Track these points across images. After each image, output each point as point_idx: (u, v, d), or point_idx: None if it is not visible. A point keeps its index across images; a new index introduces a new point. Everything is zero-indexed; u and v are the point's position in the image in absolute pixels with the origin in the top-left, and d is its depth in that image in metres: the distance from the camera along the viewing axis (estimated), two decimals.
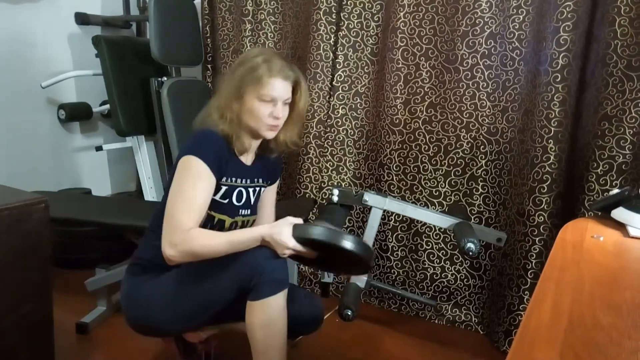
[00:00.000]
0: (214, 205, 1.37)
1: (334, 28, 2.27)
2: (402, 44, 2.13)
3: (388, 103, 2.20)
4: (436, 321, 2.25)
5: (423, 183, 2.21)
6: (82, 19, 2.75)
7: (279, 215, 1.87)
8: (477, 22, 2.01)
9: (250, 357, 1.33)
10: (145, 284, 1.41)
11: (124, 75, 2.48)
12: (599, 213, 1.34)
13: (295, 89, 1.40)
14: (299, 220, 1.29)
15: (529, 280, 1.90)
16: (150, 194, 2.70)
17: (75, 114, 2.76)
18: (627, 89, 1.70)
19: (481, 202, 2.15)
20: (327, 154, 2.36)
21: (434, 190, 2.20)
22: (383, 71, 2.21)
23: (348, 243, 1.26)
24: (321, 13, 2.25)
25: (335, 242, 1.26)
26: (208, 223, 1.39)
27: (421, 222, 2.21)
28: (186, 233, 1.24)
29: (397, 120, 2.19)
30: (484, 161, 2.11)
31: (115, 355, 1.87)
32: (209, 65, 2.69)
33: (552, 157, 1.83)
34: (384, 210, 1.95)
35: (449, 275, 2.22)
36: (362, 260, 1.33)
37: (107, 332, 2.01)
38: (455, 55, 2.07)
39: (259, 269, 1.26)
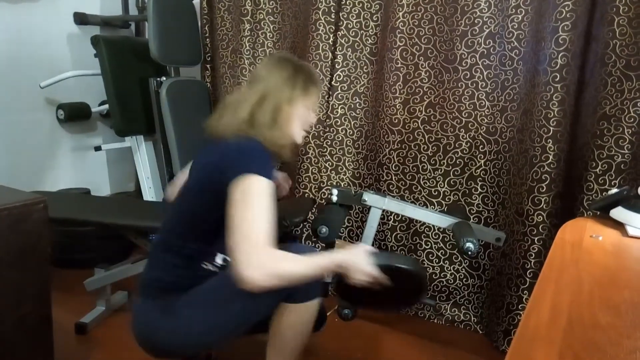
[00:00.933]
0: None
1: (333, 28, 2.27)
2: (401, 44, 2.13)
3: (387, 103, 2.20)
4: (435, 321, 2.25)
5: (422, 183, 2.21)
6: (81, 19, 2.75)
7: (276, 214, 1.88)
8: (476, 21, 2.01)
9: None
10: (175, 306, 1.25)
11: (123, 75, 2.48)
12: (598, 212, 1.34)
13: None
14: (373, 249, 1.29)
15: (527, 279, 1.90)
16: (149, 194, 2.70)
17: (74, 114, 2.76)
18: (626, 89, 1.70)
19: (480, 201, 2.15)
20: (326, 153, 2.36)
21: (433, 190, 2.20)
22: (382, 71, 2.21)
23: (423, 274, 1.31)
24: (320, 13, 2.25)
25: (417, 270, 1.33)
26: None
27: (420, 221, 2.21)
28: (269, 254, 1.11)
29: (396, 120, 2.19)
30: (483, 161, 2.11)
31: (115, 355, 1.86)
32: (208, 65, 2.69)
33: (551, 157, 1.83)
34: (383, 210, 1.95)
35: (448, 275, 2.23)
36: (420, 294, 1.41)
37: (106, 332, 2.01)
38: (454, 55, 2.07)
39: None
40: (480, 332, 2.18)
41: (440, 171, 2.18)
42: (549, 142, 1.82)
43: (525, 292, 1.91)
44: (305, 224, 2.41)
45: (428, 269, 2.25)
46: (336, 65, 2.28)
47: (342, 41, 2.26)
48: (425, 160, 2.19)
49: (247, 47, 2.49)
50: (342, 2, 2.23)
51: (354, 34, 2.26)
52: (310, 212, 2.30)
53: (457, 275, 2.22)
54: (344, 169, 2.37)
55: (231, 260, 1.11)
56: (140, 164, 2.71)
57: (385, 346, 2.02)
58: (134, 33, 3.03)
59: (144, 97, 2.49)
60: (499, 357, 1.97)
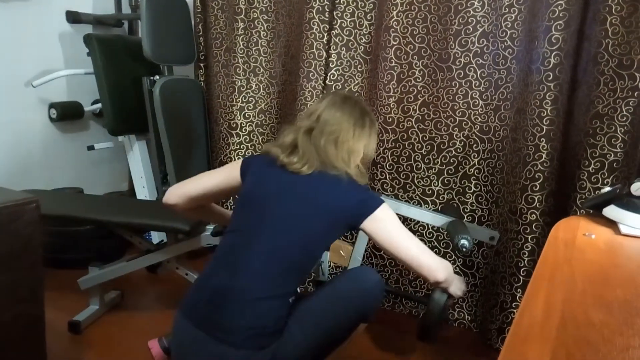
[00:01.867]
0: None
1: (327, 27, 2.27)
2: (395, 43, 2.13)
3: (381, 102, 2.20)
4: None
5: (416, 182, 2.21)
6: (74, 18, 2.73)
7: None
8: (469, 21, 2.01)
9: None
10: (285, 351, 1.29)
11: (115, 74, 2.47)
12: (591, 211, 1.34)
13: None
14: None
15: (521, 278, 1.91)
16: (143, 193, 2.69)
17: (67, 113, 2.75)
18: (618, 88, 1.71)
19: (474, 200, 2.15)
20: None
21: (427, 188, 2.21)
22: (376, 70, 2.21)
23: None
24: (314, 12, 2.24)
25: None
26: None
27: (414, 220, 2.21)
28: (439, 260, 1.43)
29: (390, 119, 2.20)
30: (476, 160, 2.12)
31: (108, 354, 1.86)
32: (201, 64, 2.68)
33: (544, 156, 1.84)
34: None
35: None
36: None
37: (100, 330, 2.00)
38: (447, 54, 2.07)
39: (379, 298, 1.41)
40: (474, 330, 2.18)
41: (434, 170, 2.18)
42: (542, 140, 1.83)
43: (518, 290, 1.92)
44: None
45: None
46: (330, 64, 2.28)
47: (336, 40, 2.26)
48: (419, 159, 2.19)
49: (241, 46, 2.49)
50: (336, 1, 2.22)
51: (348, 33, 2.25)
52: None
53: None
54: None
55: (422, 272, 1.39)
56: (133, 163, 2.70)
57: (379, 344, 2.02)
58: (127, 32, 3.02)
59: (137, 96, 2.47)
60: (493, 355, 1.98)
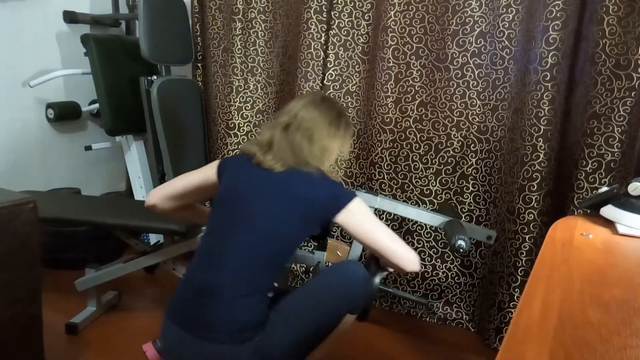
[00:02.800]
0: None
1: (325, 27, 2.27)
2: (392, 43, 2.14)
3: (379, 102, 2.20)
4: (427, 319, 2.26)
5: (414, 182, 2.22)
6: (71, 18, 2.73)
7: None
8: (467, 21, 2.01)
9: None
10: (269, 344, 1.31)
11: (113, 74, 2.47)
12: (588, 211, 1.35)
13: None
14: None
15: (519, 277, 1.91)
16: (140, 193, 2.69)
17: (64, 113, 2.74)
18: (616, 88, 1.72)
19: (471, 200, 2.16)
20: None
21: (424, 188, 2.21)
22: (374, 70, 2.21)
23: None
24: (312, 12, 2.24)
25: None
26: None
27: (412, 220, 2.21)
28: (410, 249, 1.44)
29: (388, 119, 2.20)
30: (474, 160, 2.12)
31: (105, 356, 1.85)
32: (199, 64, 2.67)
33: (541, 156, 1.84)
34: (376, 209, 1.95)
35: (440, 273, 2.23)
36: None
37: (97, 332, 2.00)
38: (445, 54, 2.07)
39: (366, 292, 1.41)
40: (472, 330, 2.19)
41: (432, 170, 2.19)
42: (540, 140, 1.83)
43: (516, 290, 1.92)
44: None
45: (420, 267, 2.25)
46: (328, 64, 2.28)
47: (334, 40, 2.26)
48: (417, 159, 2.20)
49: (239, 46, 2.48)
50: (334, 1, 2.22)
51: (345, 33, 2.25)
52: None
53: (449, 274, 2.22)
54: (336, 168, 2.36)
55: (398, 262, 1.40)
56: (131, 164, 2.70)
57: (377, 345, 2.02)
58: (124, 32, 3.01)
59: (134, 96, 2.47)
60: (491, 354, 1.98)
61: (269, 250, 1.35)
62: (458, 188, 2.17)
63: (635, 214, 1.18)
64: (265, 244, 1.34)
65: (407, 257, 1.40)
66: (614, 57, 1.71)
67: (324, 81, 2.30)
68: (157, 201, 1.58)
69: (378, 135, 2.22)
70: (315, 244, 2.02)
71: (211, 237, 1.41)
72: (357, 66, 2.29)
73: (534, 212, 1.87)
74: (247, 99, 2.50)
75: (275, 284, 1.41)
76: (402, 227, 2.26)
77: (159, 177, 2.46)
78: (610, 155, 1.76)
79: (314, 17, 2.25)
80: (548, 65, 1.79)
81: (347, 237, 2.39)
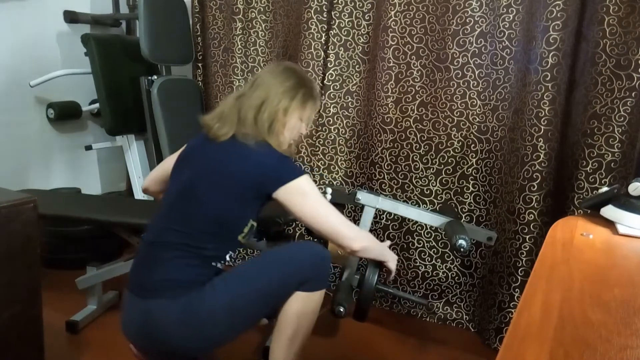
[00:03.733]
0: (257, 214, 1.42)
1: (325, 27, 2.27)
2: (393, 43, 2.14)
3: (379, 102, 2.20)
4: (427, 319, 2.26)
5: (414, 182, 2.22)
6: (71, 17, 2.73)
7: (270, 213, 1.87)
8: (467, 21, 2.01)
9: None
10: (201, 302, 1.28)
11: (113, 74, 2.47)
12: (589, 211, 1.35)
13: None
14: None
15: (519, 277, 1.91)
16: (141, 193, 2.69)
17: (65, 113, 2.74)
18: (616, 88, 1.72)
19: (472, 200, 2.16)
20: (319, 152, 2.36)
21: (425, 188, 2.21)
22: (374, 70, 2.21)
23: None
24: (312, 12, 2.24)
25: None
26: (249, 232, 1.41)
27: (413, 220, 2.21)
28: (357, 230, 1.48)
29: (388, 119, 2.20)
30: (474, 160, 2.12)
31: (106, 354, 1.85)
32: (199, 64, 2.68)
33: (542, 156, 1.84)
34: (376, 209, 1.95)
35: (440, 273, 2.23)
36: None
37: (98, 330, 2.00)
38: (445, 54, 2.07)
39: (318, 265, 1.38)
40: (472, 330, 2.19)
41: (432, 170, 2.19)
42: (540, 140, 1.83)
43: (516, 290, 1.92)
44: (298, 222, 2.41)
45: (420, 267, 2.25)
46: (328, 64, 2.28)
47: (334, 40, 2.26)
48: (417, 159, 2.20)
49: (239, 46, 2.48)
50: (334, 1, 2.23)
51: (346, 32, 2.25)
52: None
53: (449, 274, 2.22)
54: (337, 167, 2.37)
55: (339, 241, 1.41)
56: (131, 163, 2.70)
57: (377, 344, 2.02)
58: (124, 31, 3.01)
59: (135, 96, 2.47)
60: (491, 354, 1.98)
61: (207, 220, 1.33)
62: (458, 188, 2.17)
63: (636, 214, 1.18)
64: (204, 215, 1.33)
65: (349, 237, 1.40)
66: (615, 57, 1.71)
67: (325, 81, 2.30)
68: (149, 184, 1.61)
69: (378, 135, 2.22)
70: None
71: (163, 202, 1.44)
72: (358, 66, 2.29)
73: (534, 212, 1.87)
74: None
75: (229, 257, 1.40)
76: (402, 227, 2.26)
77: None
78: (610, 155, 1.76)
79: (315, 17, 2.25)
80: (548, 66, 1.79)
81: None
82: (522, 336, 0.67)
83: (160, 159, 2.40)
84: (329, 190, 1.96)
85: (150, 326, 1.29)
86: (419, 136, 2.18)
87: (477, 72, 2.04)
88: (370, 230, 2.20)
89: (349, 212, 2.38)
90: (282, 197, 1.34)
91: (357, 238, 1.43)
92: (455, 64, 2.06)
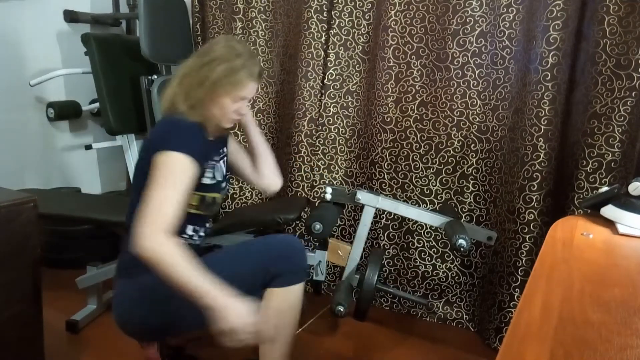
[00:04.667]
0: (205, 188, 1.37)
1: (325, 26, 2.27)
2: (393, 43, 2.13)
3: (379, 101, 2.20)
4: (427, 319, 2.26)
5: (414, 181, 2.22)
6: (71, 17, 2.73)
7: (270, 212, 1.87)
8: (467, 20, 2.01)
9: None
10: (159, 280, 1.19)
11: (113, 74, 2.46)
12: (589, 211, 1.35)
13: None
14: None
15: (519, 277, 1.91)
16: None
17: (65, 113, 2.74)
18: (616, 88, 1.72)
19: (472, 200, 2.16)
20: (319, 152, 2.36)
21: (425, 188, 2.21)
22: (374, 70, 2.21)
23: None
24: (312, 11, 2.24)
25: None
26: (202, 205, 1.36)
27: (412, 220, 2.21)
28: (165, 236, 1.15)
29: (389, 119, 2.20)
30: (474, 159, 2.12)
31: (105, 353, 1.86)
32: None
33: (542, 155, 1.84)
34: (376, 209, 1.95)
35: (440, 273, 2.23)
36: None
37: (98, 330, 2.00)
38: (446, 54, 2.07)
39: (291, 258, 1.32)
40: (472, 329, 2.19)
41: (433, 170, 2.19)
42: (540, 140, 1.83)
43: (516, 289, 1.92)
44: (298, 222, 2.41)
45: (420, 267, 2.25)
46: (328, 63, 2.28)
47: (335, 40, 2.26)
48: (417, 159, 2.20)
49: None
50: (334, 1, 2.23)
51: (346, 32, 2.25)
52: (303, 211, 2.30)
53: (449, 273, 2.22)
54: (337, 167, 2.37)
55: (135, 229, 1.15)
56: (131, 163, 2.69)
57: (377, 344, 2.02)
58: (124, 31, 3.01)
59: (135, 96, 2.47)
60: (491, 354, 1.98)
61: (138, 193, 1.27)
62: (458, 188, 2.17)
63: (636, 214, 1.18)
64: (141, 188, 1.26)
65: (140, 232, 1.14)
66: (615, 56, 1.71)
67: (325, 80, 2.30)
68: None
69: (378, 134, 2.22)
70: (316, 242, 2.02)
71: None
72: (358, 66, 2.28)
73: (534, 211, 1.87)
74: None
75: (193, 232, 1.39)
76: (402, 227, 2.26)
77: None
78: (610, 155, 1.75)
79: (315, 17, 2.25)
80: (549, 65, 1.79)
81: (346, 237, 2.39)
82: (522, 336, 0.67)
83: None
84: (329, 189, 1.96)
85: (116, 305, 1.34)
86: (419, 136, 2.18)
87: (477, 72, 2.04)
88: (370, 230, 2.21)
89: (349, 211, 2.38)
90: (152, 165, 1.23)
91: (147, 237, 1.13)
92: (456, 63, 2.06)
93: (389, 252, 2.30)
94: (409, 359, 1.94)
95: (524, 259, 1.90)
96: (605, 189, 1.34)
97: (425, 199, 2.21)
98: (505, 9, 1.95)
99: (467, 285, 2.21)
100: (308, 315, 2.11)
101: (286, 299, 1.34)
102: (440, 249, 2.23)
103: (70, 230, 2.53)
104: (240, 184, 2.51)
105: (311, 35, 2.26)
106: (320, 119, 2.33)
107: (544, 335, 0.66)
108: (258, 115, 2.53)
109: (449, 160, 2.15)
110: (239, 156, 1.59)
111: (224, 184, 1.48)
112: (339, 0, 2.22)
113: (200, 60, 1.34)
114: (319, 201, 2.23)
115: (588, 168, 1.80)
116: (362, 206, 1.95)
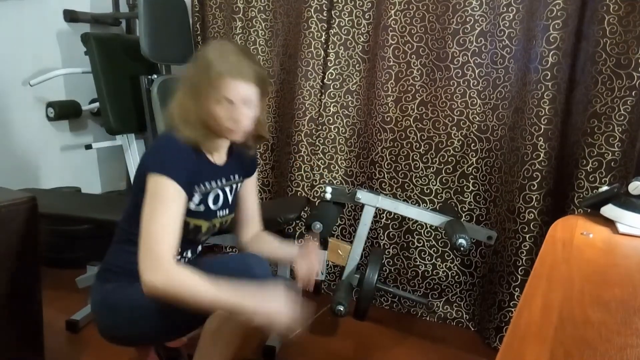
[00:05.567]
0: (189, 213, 1.28)
1: (325, 26, 2.27)
2: (393, 42, 2.13)
3: (379, 101, 2.20)
4: (427, 318, 2.26)
5: (414, 181, 2.22)
6: (71, 16, 2.72)
7: (270, 212, 1.87)
8: (467, 20, 2.01)
9: (236, 355, 1.32)
10: (125, 289, 1.26)
11: (113, 73, 2.46)
12: (589, 210, 1.35)
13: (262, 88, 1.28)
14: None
15: (519, 277, 1.91)
16: None
17: (64, 112, 2.74)
18: (616, 87, 1.71)
19: (472, 199, 2.16)
20: (319, 152, 2.36)
21: (425, 187, 2.21)
22: (374, 69, 2.21)
23: None
24: (312, 11, 2.24)
25: None
26: (185, 230, 1.26)
27: (413, 219, 2.21)
28: (169, 267, 1.13)
29: (389, 118, 2.20)
30: (474, 159, 2.12)
31: (105, 353, 1.85)
32: None
33: (542, 155, 1.84)
34: (376, 208, 1.95)
35: (440, 273, 2.23)
36: None
37: (97, 331, 1.99)
38: (446, 53, 2.07)
39: (249, 274, 1.22)
40: (473, 329, 2.19)
41: (433, 169, 2.19)
42: (540, 140, 1.83)
43: (516, 289, 1.92)
44: (298, 221, 2.41)
45: (420, 266, 2.25)
46: (328, 63, 2.28)
47: (335, 39, 2.26)
48: (417, 159, 2.20)
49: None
50: (334, 0, 2.22)
51: (346, 32, 2.25)
52: (303, 210, 2.30)
53: (449, 273, 2.22)
54: (337, 167, 2.37)
55: (139, 257, 1.14)
56: (131, 163, 2.69)
57: (377, 344, 2.02)
58: (124, 30, 3.01)
59: (135, 95, 2.47)
60: (491, 354, 1.98)
61: (131, 205, 1.29)
62: (458, 187, 2.17)
63: (636, 214, 1.18)
64: (129, 198, 1.32)
65: (148, 266, 1.12)
66: (615, 56, 1.71)
67: (325, 80, 2.30)
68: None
69: (378, 134, 2.22)
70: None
71: None
72: (358, 65, 2.28)
73: (534, 211, 1.87)
74: None
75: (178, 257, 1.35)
76: (402, 227, 2.26)
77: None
78: (610, 154, 1.75)
79: (315, 16, 2.25)
80: (549, 65, 1.79)
81: (346, 236, 2.39)
82: (522, 335, 0.67)
83: None
84: (329, 189, 1.96)
85: (92, 308, 1.37)
86: (419, 135, 2.18)
87: (477, 71, 2.04)
88: (370, 229, 2.21)
89: (349, 211, 2.38)
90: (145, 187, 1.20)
91: (155, 270, 1.11)
92: (456, 63, 2.06)
93: (389, 252, 2.30)
94: (409, 358, 1.94)
95: (524, 258, 1.90)
96: (605, 188, 1.34)
97: (425, 198, 2.21)
98: (505, 8, 1.94)
99: (467, 284, 2.21)
100: (308, 315, 2.11)
101: (225, 325, 1.25)
102: (440, 249, 2.23)
103: (70, 230, 2.53)
104: None
105: (311, 34, 2.26)
106: (320, 118, 2.33)
107: (544, 334, 0.66)
108: None
109: (449, 160, 2.15)
110: (241, 203, 1.51)
111: (219, 212, 1.38)
112: None
113: (189, 67, 1.29)
114: (319, 201, 2.23)
115: (588, 167, 1.80)
116: (362, 206, 1.95)
